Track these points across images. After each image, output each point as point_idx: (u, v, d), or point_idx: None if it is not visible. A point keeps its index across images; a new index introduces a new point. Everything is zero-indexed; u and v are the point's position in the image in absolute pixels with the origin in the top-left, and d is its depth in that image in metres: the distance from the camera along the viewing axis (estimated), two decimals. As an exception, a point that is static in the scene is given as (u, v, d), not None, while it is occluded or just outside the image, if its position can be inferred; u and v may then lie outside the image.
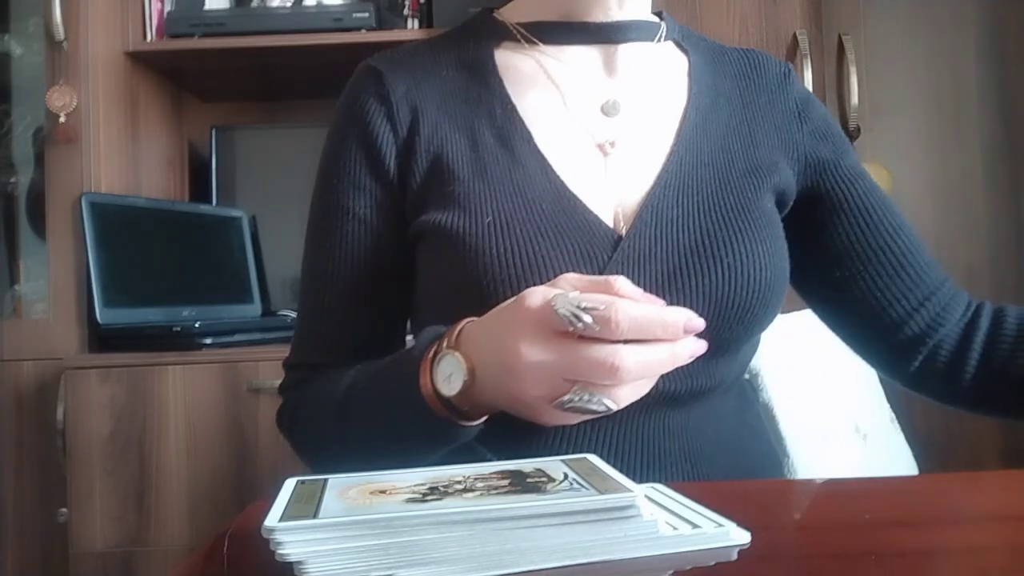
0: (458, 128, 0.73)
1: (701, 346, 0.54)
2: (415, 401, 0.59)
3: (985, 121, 2.06)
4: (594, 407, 0.51)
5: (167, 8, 1.68)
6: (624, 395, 0.52)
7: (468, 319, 0.60)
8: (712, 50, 0.82)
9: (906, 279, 0.77)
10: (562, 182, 0.70)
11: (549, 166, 0.71)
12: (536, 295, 0.53)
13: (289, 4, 1.70)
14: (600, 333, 0.50)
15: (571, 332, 0.50)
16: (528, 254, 0.66)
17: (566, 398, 0.51)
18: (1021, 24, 2.04)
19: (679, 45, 0.81)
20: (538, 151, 0.71)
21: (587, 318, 0.49)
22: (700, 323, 0.52)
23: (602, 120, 0.74)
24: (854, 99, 1.96)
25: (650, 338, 0.51)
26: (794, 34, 1.62)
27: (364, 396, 0.66)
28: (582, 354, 0.50)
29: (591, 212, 0.69)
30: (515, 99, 0.74)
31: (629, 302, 0.50)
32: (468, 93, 0.75)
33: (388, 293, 0.75)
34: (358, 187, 0.74)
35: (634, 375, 0.50)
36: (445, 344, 0.58)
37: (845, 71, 1.98)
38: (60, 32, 1.46)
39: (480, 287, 0.65)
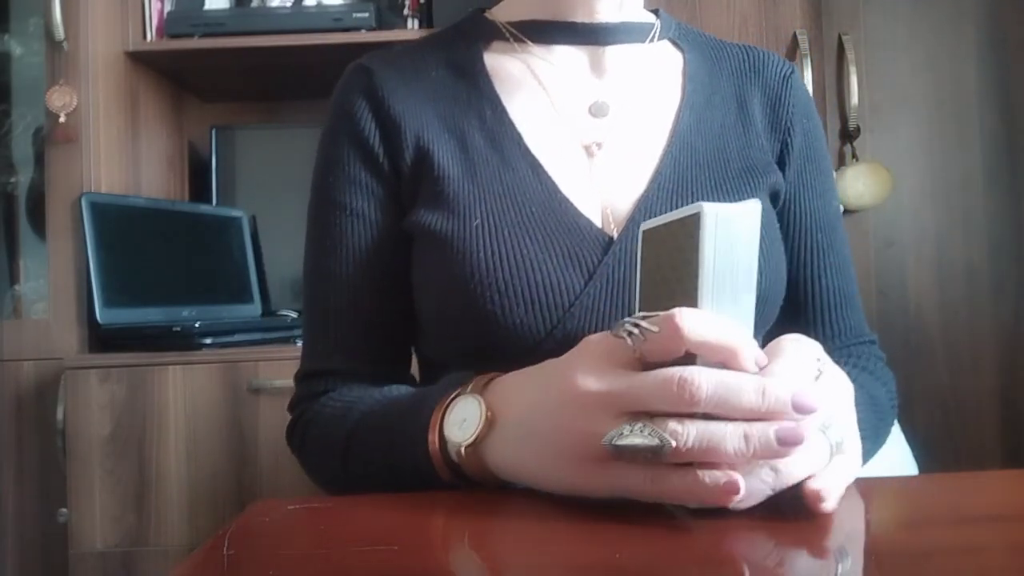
0: (447, 129, 0.72)
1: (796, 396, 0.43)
2: (418, 455, 0.56)
3: (985, 121, 2.06)
4: (646, 441, 0.42)
5: (167, 8, 1.68)
6: (692, 433, 0.41)
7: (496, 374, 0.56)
8: (711, 47, 0.81)
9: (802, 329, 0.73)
10: (553, 183, 0.69)
11: (540, 167, 0.70)
12: (597, 335, 0.49)
13: (289, 4, 1.70)
14: (663, 344, 0.43)
15: (635, 361, 0.45)
16: (516, 257, 0.65)
17: (616, 431, 0.43)
18: (1021, 24, 2.04)
19: (675, 43, 0.80)
20: (529, 152, 0.71)
21: (647, 324, 0.44)
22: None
23: (590, 121, 0.73)
24: (854, 99, 1.97)
25: (724, 358, 0.43)
26: (794, 34, 1.62)
27: (368, 441, 0.64)
28: (646, 377, 0.44)
29: (582, 215, 0.68)
30: (504, 101, 0.74)
31: (696, 314, 0.43)
32: (457, 94, 0.74)
33: (398, 289, 0.73)
34: (353, 183, 0.73)
35: (708, 395, 0.41)
36: (469, 388, 0.55)
37: (845, 71, 1.98)
38: (60, 32, 1.46)
39: (467, 290, 0.65)
